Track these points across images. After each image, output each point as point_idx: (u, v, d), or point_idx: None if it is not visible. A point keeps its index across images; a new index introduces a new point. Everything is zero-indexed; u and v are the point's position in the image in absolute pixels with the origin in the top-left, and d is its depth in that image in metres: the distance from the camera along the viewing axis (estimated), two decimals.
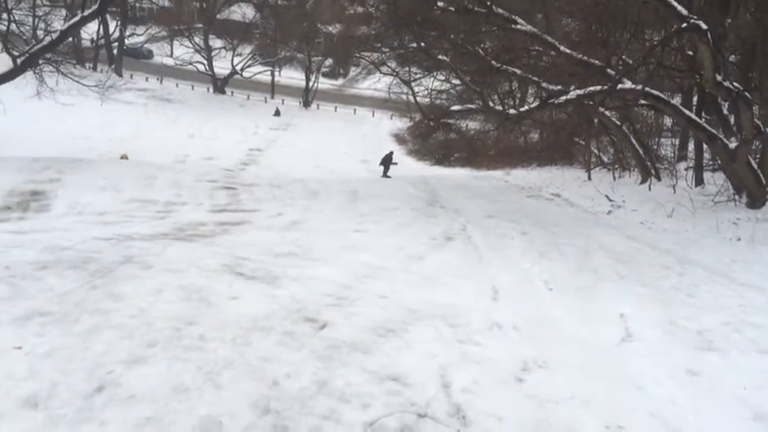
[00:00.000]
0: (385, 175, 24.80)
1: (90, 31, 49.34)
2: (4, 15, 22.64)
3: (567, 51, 14.40)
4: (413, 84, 27.51)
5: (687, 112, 14.10)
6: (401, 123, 46.42)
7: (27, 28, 25.28)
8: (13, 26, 21.58)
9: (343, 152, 37.88)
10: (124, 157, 26.92)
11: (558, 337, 5.90)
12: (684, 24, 11.19)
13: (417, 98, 27.39)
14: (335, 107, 55.89)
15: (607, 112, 18.34)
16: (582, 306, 6.96)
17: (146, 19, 61.54)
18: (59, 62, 22.24)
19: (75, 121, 30.86)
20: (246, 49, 57.52)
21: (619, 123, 19.10)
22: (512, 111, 15.94)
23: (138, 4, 60.57)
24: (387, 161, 25.58)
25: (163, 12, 59.32)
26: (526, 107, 16.42)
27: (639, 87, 12.83)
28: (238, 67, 54.70)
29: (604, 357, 5.53)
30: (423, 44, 20.21)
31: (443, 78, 26.95)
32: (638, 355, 5.63)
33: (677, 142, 20.23)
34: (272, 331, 5.26)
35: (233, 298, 5.95)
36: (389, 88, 34.37)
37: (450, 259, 8.78)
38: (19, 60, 19.93)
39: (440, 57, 20.97)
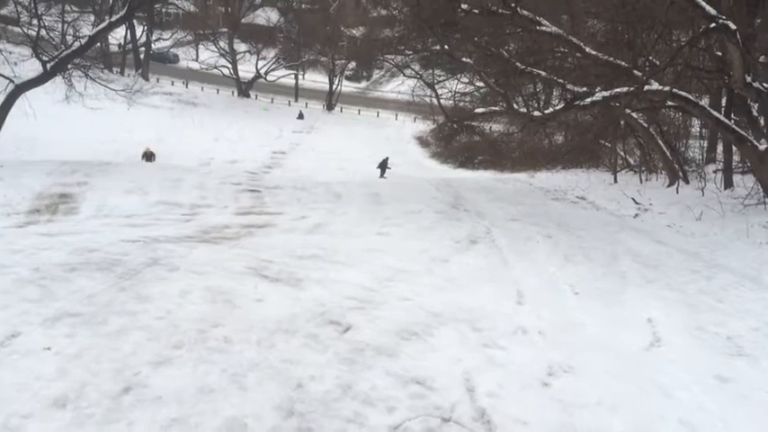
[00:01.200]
0: (382, 176, 27.91)
1: (117, 36, 50.19)
2: (34, 21, 23.09)
3: (593, 53, 14.28)
4: (436, 86, 27.47)
5: (716, 113, 13.89)
6: (424, 126, 46.43)
7: (56, 33, 25.74)
8: (43, 32, 21.99)
9: (365, 155, 37.98)
10: (148, 151, 27.32)
11: (585, 341, 5.83)
12: (713, 24, 11.03)
13: (441, 100, 27.34)
14: (359, 110, 56.08)
15: (634, 114, 18.13)
16: (608, 311, 6.88)
17: (172, 24, 62.41)
18: (88, 67, 22.60)
19: (103, 124, 31.35)
20: (270, 53, 58.04)
21: (646, 125, 18.88)
22: (536, 113, 15.83)
23: (164, 10, 61.32)
24: (383, 165, 29.26)
25: (189, 17, 60.07)
26: (551, 109, 16.28)
27: (667, 89, 12.66)
28: (262, 71, 55.15)
29: (631, 363, 5.45)
30: (446, 46, 20.14)
31: (467, 81, 26.89)
32: (665, 360, 5.54)
33: (705, 144, 19.94)
34: (297, 334, 5.27)
35: (258, 300, 5.98)
36: (413, 91, 34.40)
37: (475, 262, 8.74)
38: (48, 66, 20.31)
39: (464, 59, 20.90)
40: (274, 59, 56.98)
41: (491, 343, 5.52)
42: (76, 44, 21.20)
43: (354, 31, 58.89)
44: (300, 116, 50.31)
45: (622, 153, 23.58)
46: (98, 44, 33.77)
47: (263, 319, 5.49)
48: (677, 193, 15.91)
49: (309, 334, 5.30)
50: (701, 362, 5.54)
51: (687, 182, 17.14)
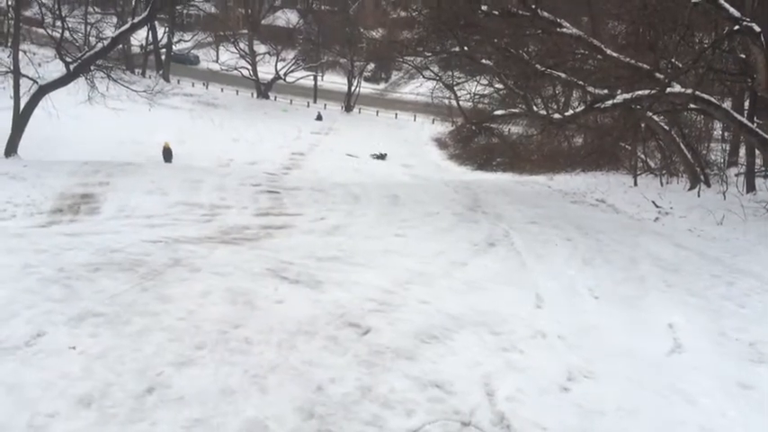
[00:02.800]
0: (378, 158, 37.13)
1: (139, 37, 50.71)
2: (58, 23, 23.45)
3: (614, 55, 14.19)
4: (455, 88, 27.43)
5: (738, 116, 13.74)
6: (443, 128, 46.34)
7: (79, 35, 26.12)
8: (67, 33, 22.33)
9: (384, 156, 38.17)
10: (167, 146, 27.63)
11: (605, 346, 5.80)
12: (736, 27, 10.92)
13: (460, 102, 27.29)
14: (377, 111, 56.12)
15: (655, 117, 17.98)
16: (628, 315, 6.83)
17: (193, 25, 62.93)
18: (110, 68, 22.92)
19: (124, 125, 31.70)
20: (290, 55, 58.28)
21: (667, 128, 18.71)
22: (556, 115, 15.77)
23: (185, 12, 61.89)
24: (382, 156, 37.44)
25: (209, 18, 60.54)
26: (571, 111, 16.21)
27: (689, 91, 12.55)
28: (282, 72, 55.42)
29: (652, 368, 5.41)
30: (466, 48, 20.12)
31: (486, 82, 26.80)
32: (687, 366, 5.50)
33: (728, 147, 19.72)
34: (317, 336, 5.31)
35: (278, 302, 6.02)
36: (432, 92, 34.37)
37: (493, 265, 8.72)
38: (71, 67, 20.62)
39: (483, 61, 20.87)
40: (293, 61, 57.21)
41: (510, 347, 5.52)
42: (99, 45, 21.52)
43: (374, 33, 58.93)
44: (319, 117, 50.48)
45: (643, 156, 23.38)
46: (120, 45, 34.25)
47: (284, 320, 5.53)
48: (698, 196, 15.75)
49: (329, 336, 5.33)
50: (723, 368, 5.49)
51: (709, 185, 16.96)
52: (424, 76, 33.01)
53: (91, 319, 5.12)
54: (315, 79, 58.08)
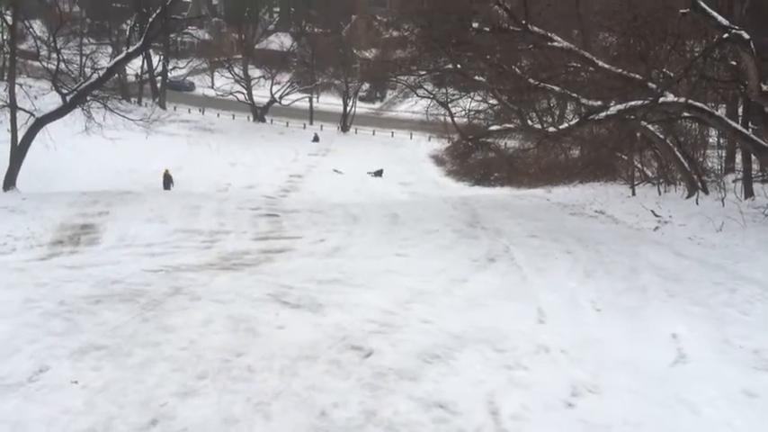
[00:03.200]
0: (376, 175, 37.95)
1: (134, 66, 50.99)
2: (54, 55, 23.62)
3: (606, 66, 14.29)
4: (450, 105, 27.57)
5: (733, 123, 13.80)
6: (439, 144, 46.49)
7: (75, 66, 26.28)
8: (62, 65, 22.48)
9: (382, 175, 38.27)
10: (167, 173, 27.79)
11: (608, 359, 5.78)
12: (726, 35, 11.00)
13: (455, 119, 27.42)
14: (373, 131, 56.34)
15: (650, 126, 18.05)
16: (631, 326, 6.82)
17: (187, 52, 63.34)
18: (106, 98, 23.03)
19: (122, 154, 31.80)
20: (285, 77, 58.63)
21: (662, 137, 18.77)
22: (551, 128, 15.85)
23: (180, 39, 62.35)
24: (379, 172, 38.09)
25: (204, 45, 60.97)
26: (566, 124, 16.28)
27: (682, 100, 12.62)
28: (277, 95, 55.73)
29: (656, 380, 5.39)
30: (458, 65, 20.28)
31: (480, 98, 26.96)
32: (691, 376, 5.48)
33: (724, 154, 19.77)
34: (319, 360, 5.30)
35: (279, 327, 6.02)
36: (427, 110, 34.53)
37: (494, 281, 8.72)
38: (68, 98, 20.74)
39: (476, 77, 21.00)
40: (288, 83, 57.54)
41: (513, 363, 5.50)
42: (95, 76, 21.66)
43: (367, 53, 59.34)
44: (316, 139, 50.68)
45: (639, 165, 23.43)
46: (116, 75, 34.43)
47: (285, 346, 5.52)
48: (697, 204, 15.77)
49: (332, 360, 5.33)
50: (728, 377, 5.47)
51: (707, 192, 16.98)
52: (418, 95, 33.20)
53: (93, 352, 5.12)
54: (310, 101, 58.41)
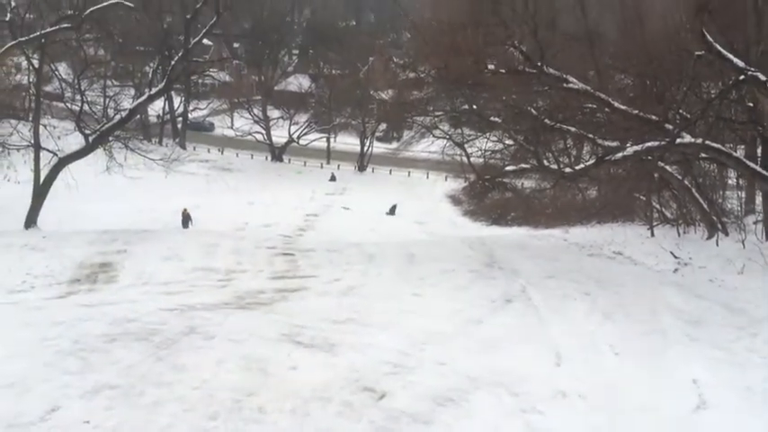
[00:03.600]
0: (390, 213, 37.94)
1: (156, 107, 52.02)
2: (78, 97, 24.18)
3: (622, 107, 14.30)
4: (466, 145, 27.67)
5: (751, 164, 13.69)
6: (456, 184, 46.55)
7: (98, 108, 26.87)
8: (86, 106, 22.98)
9: (398, 215, 38.29)
10: (185, 212, 28.08)
11: (627, 405, 5.65)
12: (742, 77, 11.01)
13: (471, 159, 27.50)
14: (390, 170, 56.64)
15: (667, 167, 17.97)
16: (650, 371, 6.67)
17: (208, 94, 64.54)
18: (128, 138, 23.46)
19: (142, 193, 32.24)
20: (303, 118, 59.37)
21: (680, 177, 18.66)
22: (567, 169, 15.82)
23: (201, 81, 63.58)
24: (392, 209, 38.07)
25: (224, 86, 62.09)
26: (582, 165, 16.26)
27: (699, 141, 12.57)
28: (295, 135, 56.41)
29: (677, 426, 5.26)
30: (474, 106, 20.43)
31: (497, 139, 27.04)
32: (713, 423, 5.34)
33: (743, 195, 19.58)
34: (331, 402, 5.24)
35: (292, 368, 5.97)
36: (443, 150, 34.69)
37: (510, 322, 8.61)
38: (90, 138, 21.14)
39: (492, 118, 21.12)
40: (306, 124, 58.27)
41: (529, 408, 5.40)
42: (117, 117, 22.11)
43: (384, 94, 60.03)
44: (333, 178, 51.05)
45: (658, 206, 23.23)
46: (138, 116, 35.15)
47: (298, 387, 5.47)
48: (717, 245, 15.55)
49: (344, 401, 5.26)
50: (750, 424, 5.32)
51: (726, 234, 16.76)
52: (434, 135, 33.42)
53: (106, 391, 5.10)
54: (328, 141, 59.00)
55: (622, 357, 7.13)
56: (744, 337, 8.02)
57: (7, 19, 21.69)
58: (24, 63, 26.55)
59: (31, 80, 26.44)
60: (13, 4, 22.30)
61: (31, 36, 20.82)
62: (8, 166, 23.87)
